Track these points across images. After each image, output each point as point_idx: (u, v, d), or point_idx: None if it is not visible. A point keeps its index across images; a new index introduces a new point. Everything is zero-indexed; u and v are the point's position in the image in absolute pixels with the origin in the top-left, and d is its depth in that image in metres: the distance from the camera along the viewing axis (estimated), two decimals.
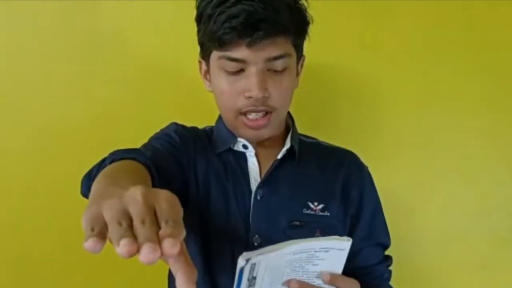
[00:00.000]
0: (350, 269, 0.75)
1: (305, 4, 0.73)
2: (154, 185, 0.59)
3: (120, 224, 0.33)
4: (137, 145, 0.74)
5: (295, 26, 0.70)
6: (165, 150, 0.72)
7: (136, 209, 0.34)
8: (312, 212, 0.74)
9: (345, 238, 0.57)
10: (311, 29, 0.75)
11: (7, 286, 1.01)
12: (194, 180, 0.75)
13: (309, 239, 0.55)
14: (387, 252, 0.82)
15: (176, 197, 0.37)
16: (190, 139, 0.78)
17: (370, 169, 0.84)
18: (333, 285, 0.60)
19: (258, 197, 0.73)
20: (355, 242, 0.76)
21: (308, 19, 0.73)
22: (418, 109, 1.07)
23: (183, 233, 0.33)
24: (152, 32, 1.02)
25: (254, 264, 0.52)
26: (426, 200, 1.07)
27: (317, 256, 0.57)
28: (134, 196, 0.35)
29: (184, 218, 0.73)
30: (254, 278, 0.53)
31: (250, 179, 0.75)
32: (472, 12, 1.05)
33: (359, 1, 1.04)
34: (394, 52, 1.05)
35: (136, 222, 0.33)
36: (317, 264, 0.57)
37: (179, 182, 0.72)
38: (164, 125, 0.81)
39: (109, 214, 0.34)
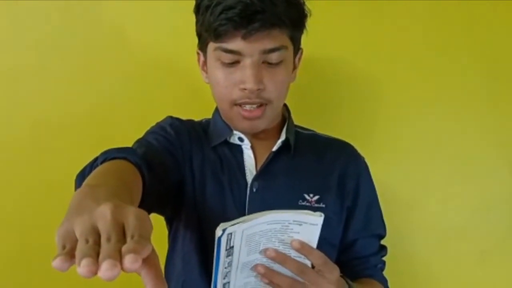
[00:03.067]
0: (345, 260, 0.77)
1: None
2: (144, 185, 0.60)
3: (87, 241, 0.33)
4: (135, 138, 0.75)
5: (292, 18, 0.70)
6: (160, 145, 0.73)
7: (104, 226, 0.34)
8: (307, 204, 0.75)
9: (318, 213, 0.58)
10: (310, 22, 0.75)
11: (5, 283, 1.03)
12: (189, 175, 0.75)
13: (282, 210, 0.58)
14: (382, 242, 0.83)
15: (146, 213, 0.37)
16: (186, 133, 0.78)
17: (368, 163, 0.84)
18: (302, 254, 0.61)
19: (254, 190, 0.74)
20: (351, 233, 0.79)
21: (305, 12, 0.73)
22: (417, 104, 1.06)
23: (148, 247, 0.33)
24: (150, 28, 1.02)
25: (230, 234, 0.55)
26: (424, 195, 1.07)
27: (291, 229, 0.59)
28: (103, 213, 0.35)
29: (180, 215, 0.74)
30: (232, 247, 0.56)
31: (246, 172, 0.76)
32: (473, 10, 1.04)
33: None
34: (394, 46, 1.05)
35: (103, 239, 0.33)
36: (291, 237, 0.60)
37: (173, 178, 0.73)
38: None
39: (78, 230, 0.35)
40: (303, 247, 0.60)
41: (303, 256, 0.62)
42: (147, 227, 0.36)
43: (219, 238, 0.54)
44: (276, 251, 0.60)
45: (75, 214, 0.37)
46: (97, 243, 0.33)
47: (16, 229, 1.03)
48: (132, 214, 0.36)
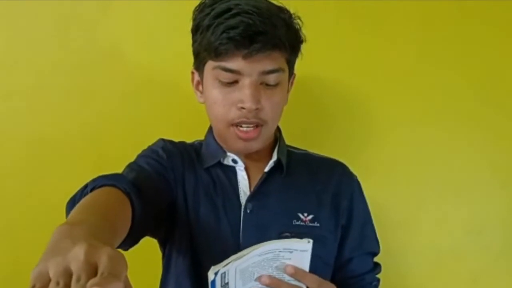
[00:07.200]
0: (341, 278, 0.78)
1: (300, 23, 0.74)
2: (134, 211, 0.61)
3: (57, 283, 0.34)
4: (131, 157, 0.76)
5: (290, 42, 0.71)
6: (152, 168, 0.73)
7: (75, 267, 0.35)
8: (302, 223, 0.75)
9: (305, 240, 0.61)
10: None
11: None
12: (182, 197, 0.75)
13: (271, 241, 0.60)
14: (375, 259, 0.84)
15: (121, 253, 0.37)
16: (178, 155, 0.78)
17: (360, 182, 0.85)
18: (296, 279, 0.62)
19: (248, 211, 0.74)
20: (346, 252, 0.79)
21: (302, 37, 0.75)
22: (409, 123, 1.07)
23: (117, 285, 0.33)
24: (147, 48, 1.03)
25: (224, 273, 0.56)
26: (417, 215, 1.08)
27: (282, 256, 0.61)
28: (77, 254, 0.36)
29: (174, 237, 0.74)
30: (227, 283, 0.57)
31: (240, 193, 0.76)
32: (466, 28, 1.07)
33: (350, 16, 1.06)
34: (386, 65, 1.07)
35: (73, 280, 0.34)
36: (284, 263, 0.62)
37: (166, 201, 0.73)
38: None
39: (51, 272, 0.35)
40: (296, 273, 0.62)
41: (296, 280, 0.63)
42: (120, 267, 0.36)
43: (213, 281, 0.55)
44: (270, 277, 0.61)
45: (50, 255, 0.37)
46: (68, 286, 0.34)
47: (10, 246, 1.01)
48: (105, 255, 0.36)
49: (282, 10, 0.72)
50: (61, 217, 0.61)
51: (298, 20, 0.74)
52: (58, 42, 1.02)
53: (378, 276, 0.82)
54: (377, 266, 0.82)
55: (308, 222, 0.75)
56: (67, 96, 1.02)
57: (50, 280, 0.35)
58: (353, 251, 0.79)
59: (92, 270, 0.35)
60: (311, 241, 0.60)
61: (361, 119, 1.08)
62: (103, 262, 0.35)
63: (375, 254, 0.83)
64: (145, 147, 0.80)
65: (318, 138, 1.07)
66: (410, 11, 1.06)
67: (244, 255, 0.57)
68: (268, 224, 0.73)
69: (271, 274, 0.61)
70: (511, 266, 1.08)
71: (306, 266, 0.62)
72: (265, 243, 0.59)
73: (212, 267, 0.55)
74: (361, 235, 0.80)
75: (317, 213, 0.76)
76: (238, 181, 0.77)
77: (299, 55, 0.77)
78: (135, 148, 0.78)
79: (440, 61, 1.07)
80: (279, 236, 0.72)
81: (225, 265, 0.55)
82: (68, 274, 0.35)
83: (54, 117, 1.02)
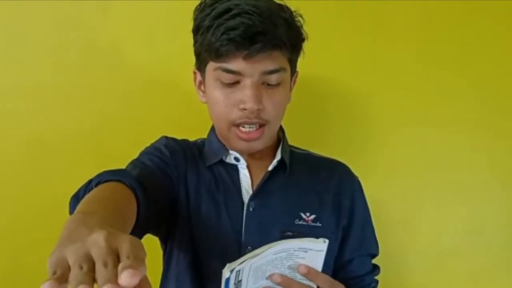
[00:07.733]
0: (340, 279, 0.77)
1: (301, 20, 0.74)
2: (139, 206, 0.61)
3: (81, 267, 0.34)
4: (131, 157, 0.75)
5: (291, 41, 0.71)
6: (154, 165, 0.73)
7: (98, 253, 0.35)
8: (304, 223, 0.75)
9: (321, 239, 0.60)
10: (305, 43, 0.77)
11: None
12: (184, 194, 0.75)
13: (287, 240, 0.60)
14: (375, 261, 0.84)
15: (139, 240, 0.38)
16: (181, 153, 0.78)
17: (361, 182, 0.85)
18: (309, 279, 0.62)
19: (251, 209, 0.74)
20: (347, 252, 0.79)
21: (303, 35, 0.75)
22: (409, 123, 1.08)
23: (144, 268, 0.34)
24: (147, 48, 1.03)
25: (239, 270, 0.55)
26: (417, 215, 1.08)
27: (296, 255, 0.60)
28: (97, 240, 0.36)
29: (175, 234, 0.74)
30: (240, 281, 0.57)
31: (242, 191, 0.76)
32: (464, 29, 1.07)
33: (350, 16, 1.06)
34: (385, 65, 1.07)
35: (99, 265, 0.34)
36: (297, 262, 0.61)
37: (168, 198, 0.73)
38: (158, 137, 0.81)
39: (72, 258, 0.35)
40: (309, 272, 0.62)
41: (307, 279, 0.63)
42: (140, 251, 0.36)
43: (227, 279, 0.55)
44: (282, 276, 0.61)
45: (67, 243, 0.37)
46: (92, 270, 0.34)
47: (10, 247, 1.00)
48: (126, 241, 0.36)
49: (282, 8, 0.71)
50: (61, 217, 0.61)
51: (300, 18, 0.74)
52: (58, 42, 1.01)
53: (376, 278, 0.82)
54: (375, 268, 0.83)
55: (310, 222, 0.75)
56: (67, 96, 1.02)
57: (69, 266, 0.35)
58: (354, 252, 0.80)
59: (115, 256, 0.35)
60: (327, 241, 0.60)
61: (361, 119, 1.08)
62: (126, 247, 0.35)
63: (374, 255, 0.83)
64: (145, 145, 0.80)
65: (318, 138, 1.07)
66: (410, 11, 1.06)
67: (259, 253, 0.57)
68: (270, 223, 0.74)
69: (283, 272, 0.61)
70: (511, 266, 1.08)
71: (319, 266, 0.62)
72: (281, 241, 0.59)
73: (228, 265, 0.55)
74: (361, 236, 0.81)
75: (319, 213, 0.76)
76: (240, 179, 0.77)
77: (301, 53, 0.77)
78: (135, 148, 0.78)
79: (440, 61, 1.07)
80: (282, 235, 0.72)
81: (240, 263, 0.55)
82: (89, 260, 0.35)
83: (54, 117, 1.02)
